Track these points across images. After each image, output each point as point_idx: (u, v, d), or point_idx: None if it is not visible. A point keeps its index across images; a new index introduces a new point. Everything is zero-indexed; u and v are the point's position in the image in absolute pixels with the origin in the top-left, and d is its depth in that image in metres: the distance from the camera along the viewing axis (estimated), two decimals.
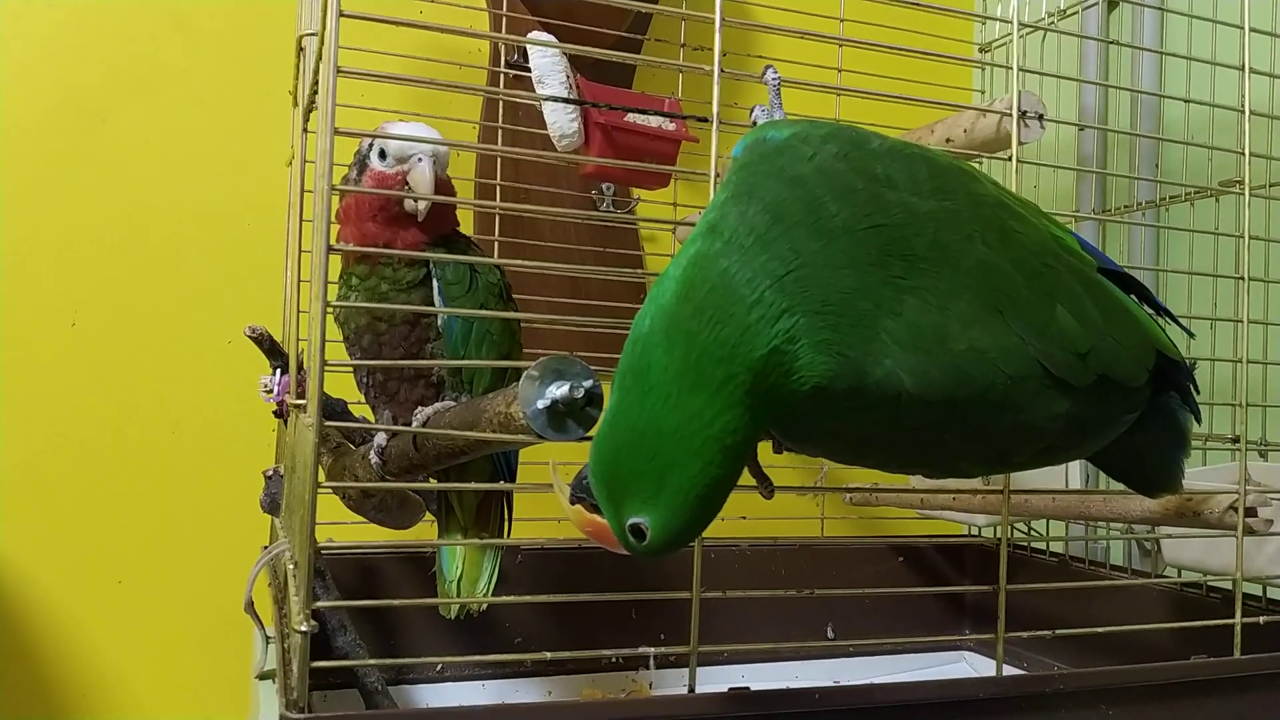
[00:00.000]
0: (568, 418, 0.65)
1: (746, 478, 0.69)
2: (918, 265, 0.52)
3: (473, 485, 0.93)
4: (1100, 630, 0.85)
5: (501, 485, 0.93)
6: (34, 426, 1.24)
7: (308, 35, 0.80)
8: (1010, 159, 0.77)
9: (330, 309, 0.64)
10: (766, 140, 0.57)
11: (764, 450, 0.70)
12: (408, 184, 0.84)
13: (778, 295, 0.50)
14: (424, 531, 1.14)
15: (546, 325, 1.31)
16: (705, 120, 0.74)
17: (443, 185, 0.86)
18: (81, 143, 1.27)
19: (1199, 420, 0.62)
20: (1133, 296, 0.60)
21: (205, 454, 1.29)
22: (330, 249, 0.63)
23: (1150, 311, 0.62)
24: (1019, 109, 0.77)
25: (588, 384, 0.65)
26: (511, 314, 0.91)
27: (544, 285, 1.34)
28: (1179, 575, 1.12)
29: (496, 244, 1.25)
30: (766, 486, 0.69)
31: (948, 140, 0.85)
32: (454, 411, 0.79)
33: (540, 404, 0.64)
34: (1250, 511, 0.86)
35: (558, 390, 0.65)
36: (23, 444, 1.24)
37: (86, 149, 1.27)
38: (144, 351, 1.28)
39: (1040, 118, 0.78)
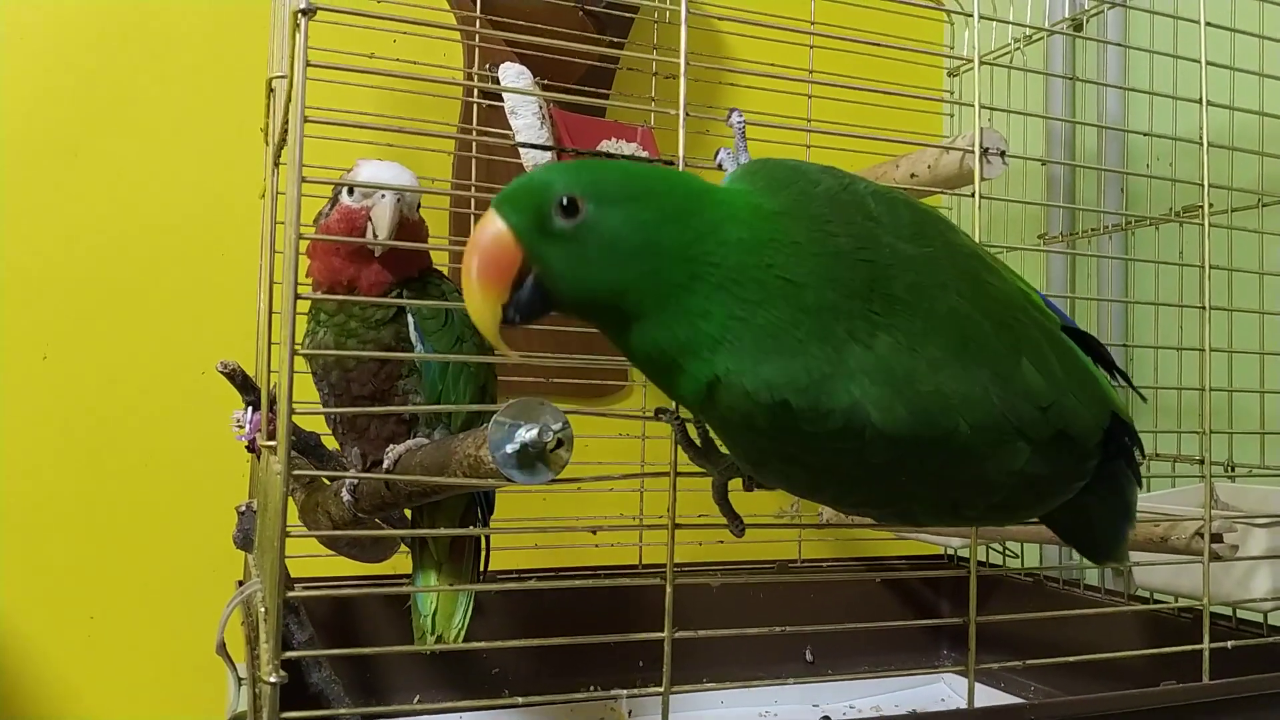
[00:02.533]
0: (537, 460, 0.65)
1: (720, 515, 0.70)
2: (895, 305, 0.54)
3: (444, 531, 0.94)
4: (1072, 659, 0.86)
5: (473, 530, 0.93)
6: (5, 460, 1.23)
7: (277, 77, 0.80)
8: (973, 195, 0.78)
9: (297, 349, 0.64)
10: (769, 159, 0.60)
11: (735, 486, 0.71)
12: (372, 220, 0.84)
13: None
14: (398, 562, 1.13)
15: (522, 357, 1.31)
16: (671, 163, 0.75)
17: (409, 225, 0.86)
18: (53, 175, 1.27)
19: (1140, 486, 0.64)
20: (1089, 358, 0.62)
21: (178, 487, 1.28)
22: (298, 296, 0.63)
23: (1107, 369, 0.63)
24: (981, 146, 0.78)
25: (556, 427, 0.65)
26: (480, 357, 0.89)
27: None
28: (1151, 596, 1.13)
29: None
30: (737, 525, 0.69)
31: (912, 175, 0.87)
32: (425, 451, 0.79)
33: (509, 448, 0.64)
34: (1216, 538, 0.87)
35: (527, 434, 0.65)
36: None
37: (58, 181, 1.27)
38: (116, 384, 1.27)
39: (1002, 154, 0.79)
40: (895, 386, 0.53)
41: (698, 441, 0.69)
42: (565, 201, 0.52)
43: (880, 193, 0.58)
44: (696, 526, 0.71)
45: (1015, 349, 0.55)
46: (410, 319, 0.86)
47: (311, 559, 1.01)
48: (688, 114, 0.73)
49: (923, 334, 0.54)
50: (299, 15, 0.64)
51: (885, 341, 0.53)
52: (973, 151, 0.78)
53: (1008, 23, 1.39)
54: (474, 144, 1.29)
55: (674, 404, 0.70)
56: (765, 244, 0.53)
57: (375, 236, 0.84)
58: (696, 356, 0.54)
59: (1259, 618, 1.03)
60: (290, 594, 0.64)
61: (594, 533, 1.12)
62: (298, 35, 0.64)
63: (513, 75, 1.19)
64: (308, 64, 0.64)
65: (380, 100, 1.27)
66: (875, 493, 0.58)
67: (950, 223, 0.60)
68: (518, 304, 0.53)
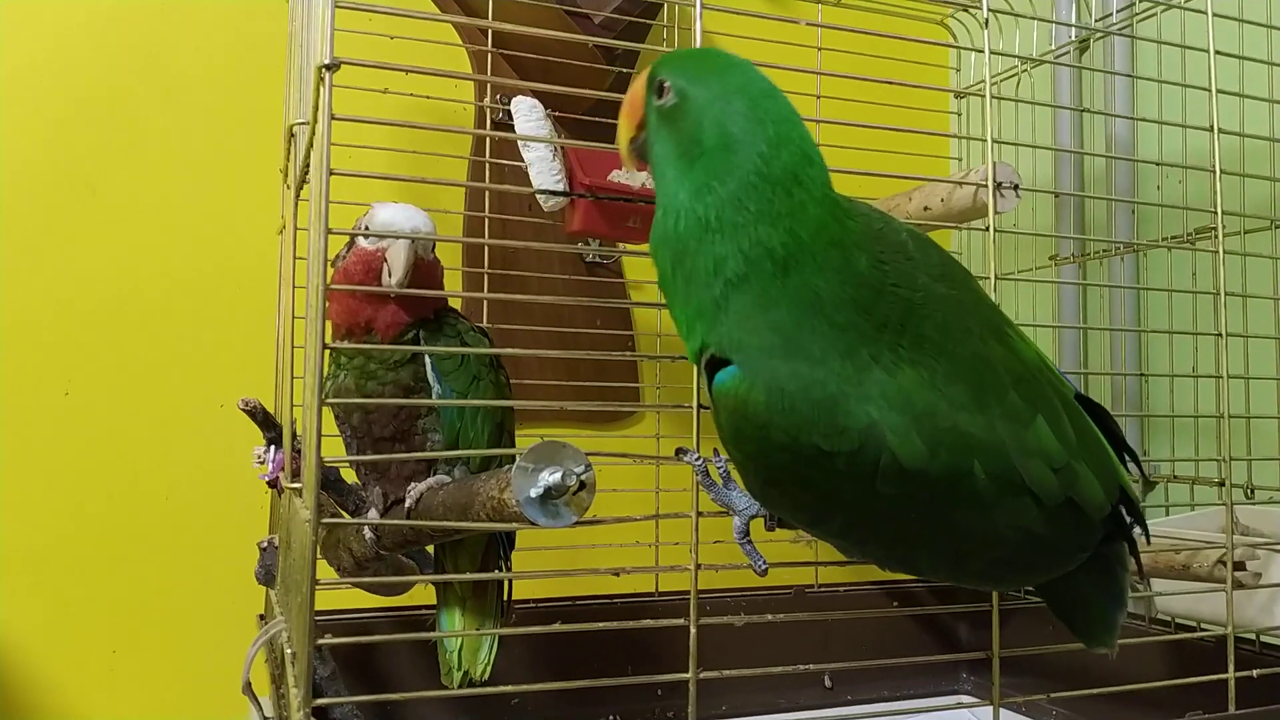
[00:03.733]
0: (561, 504, 0.66)
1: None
2: (923, 342, 0.55)
3: (467, 576, 0.95)
4: (1095, 691, 0.86)
5: (496, 576, 0.94)
6: (28, 495, 1.24)
7: (299, 124, 0.81)
8: (988, 229, 0.78)
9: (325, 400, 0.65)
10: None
11: (756, 525, 0.72)
12: (388, 261, 0.85)
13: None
14: (419, 594, 1.14)
15: (537, 382, 1.32)
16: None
17: (424, 265, 0.87)
18: (71, 212, 1.28)
19: (1141, 574, 0.64)
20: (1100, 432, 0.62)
21: (199, 521, 1.28)
22: (325, 346, 0.64)
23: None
24: (994, 180, 0.78)
25: (579, 470, 0.66)
26: (496, 402, 0.90)
27: (533, 339, 1.35)
28: (1173, 621, 1.13)
29: (485, 302, 1.26)
30: (760, 564, 0.69)
31: (925, 208, 0.87)
32: (447, 490, 0.80)
33: (533, 492, 0.65)
34: (1238, 565, 0.87)
35: (551, 477, 0.65)
36: (17, 512, 1.23)
37: (76, 218, 1.28)
38: (137, 419, 1.28)
39: (1015, 188, 0.80)
40: (915, 417, 0.54)
41: (719, 481, 0.70)
42: (659, 83, 0.59)
43: (915, 233, 0.60)
44: (719, 568, 0.72)
45: (1032, 406, 0.56)
46: (428, 359, 0.87)
47: (332, 590, 1.02)
48: None
49: (946, 374, 0.55)
50: (323, 70, 0.64)
51: (909, 374, 0.54)
52: (986, 185, 0.79)
53: (1012, 56, 1.40)
54: (486, 173, 1.31)
55: (695, 443, 0.71)
56: (833, 244, 0.55)
57: (390, 278, 0.85)
58: (701, 318, 0.56)
59: None
60: (319, 642, 0.65)
61: (617, 574, 1.12)
62: (322, 89, 0.65)
63: (525, 109, 1.20)
64: (332, 118, 0.65)
65: (395, 133, 1.28)
66: (882, 531, 0.58)
67: (969, 272, 0.61)
68: (636, 143, 0.63)
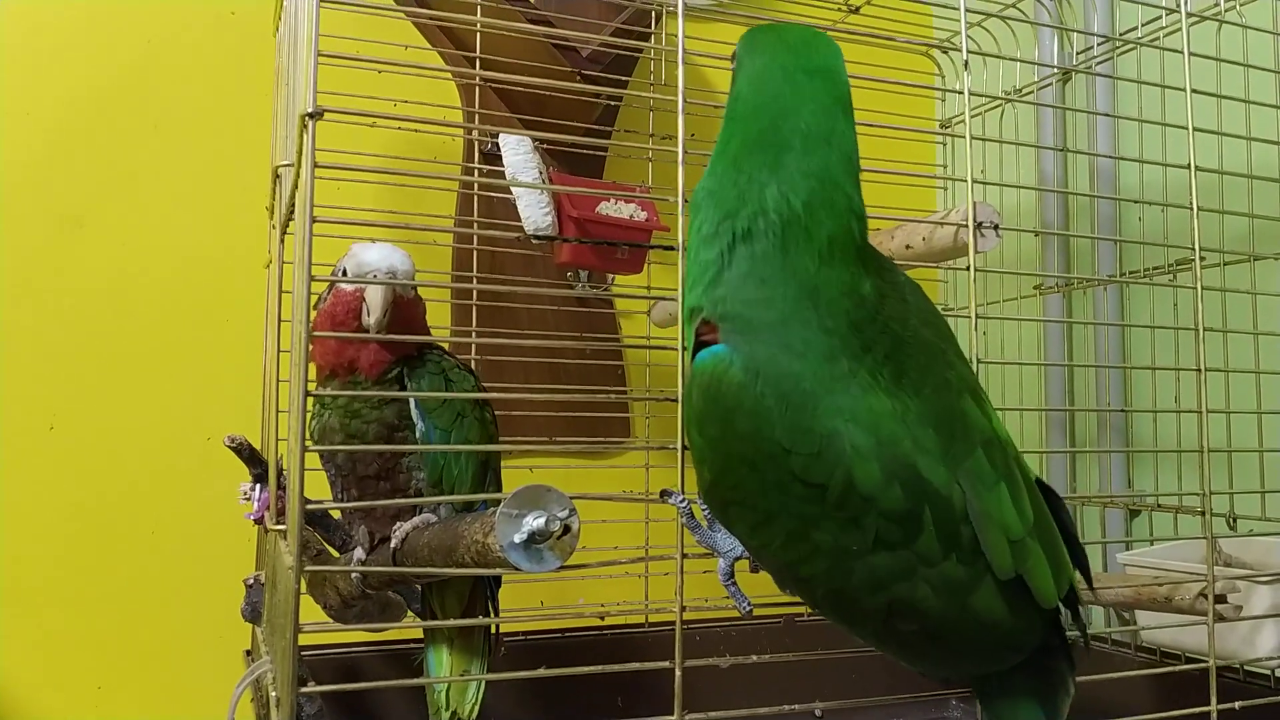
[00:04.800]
0: (545, 549, 0.66)
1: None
2: (902, 379, 0.55)
3: (459, 622, 0.95)
4: None
5: (483, 621, 0.94)
6: (12, 530, 1.24)
7: (284, 166, 0.81)
8: (968, 268, 0.79)
9: (308, 446, 0.65)
10: None
11: (742, 567, 0.72)
12: (366, 302, 0.85)
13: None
14: (405, 629, 1.13)
15: (526, 413, 1.32)
16: (668, 199, 0.77)
17: (404, 303, 0.87)
18: (58, 245, 1.28)
19: (1071, 692, 0.60)
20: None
21: (186, 556, 1.28)
22: (308, 393, 0.64)
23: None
24: (975, 220, 0.79)
25: (563, 515, 0.66)
26: (480, 447, 0.90)
27: (524, 372, 1.35)
28: (1158, 651, 1.13)
29: (474, 333, 1.27)
30: (745, 605, 0.70)
31: (908, 247, 0.88)
32: (432, 531, 0.80)
33: (517, 538, 0.65)
34: (1220, 598, 0.87)
35: (535, 522, 0.66)
36: (1, 549, 1.23)
37: (63, 251, 1.28)
38: (122, 454, 1.27)
39: (996, 227, 0.81)
40: (878, 443, 0.54)
41: (704, 522, 0.70)
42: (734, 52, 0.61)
43: (913, 283, 0.61)
44: (704, 609, 0.72)
45: (996, 472, 0.56)
46: (411, 399, 0.87)
47: (320, 630, 1.01)
48: (687, 151, 0.74)
49: (919, 415, 0.55)
50: (306, 119, 0.65)
51: (883, 401, 0.54)
52: (967, 226, 0.80)
53: (995, 97, 1.41)
54: (475, 206, 1.31)
55: (680, 483, 0.71)
56: (845, 249, 0.56)
57: (369, 317, 0.85)
58: (703, 275, 0.57)
59: (1266, 670, 1.04)
60: (303, 690, 0.64)
61: (602, 619, 1.12)
62: (305, 136, 0.66)
63: (513, 143, 1.21)
64: (315, 165, 0.65)
65: (382, 165, 1.29)
66: (818, 558, 0.56)
67: (953, 332, 0.62)
68: None
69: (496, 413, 0.95)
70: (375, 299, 0.84)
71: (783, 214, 0.56)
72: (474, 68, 1.31)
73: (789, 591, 0.62)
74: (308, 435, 0.84)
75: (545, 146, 1.28)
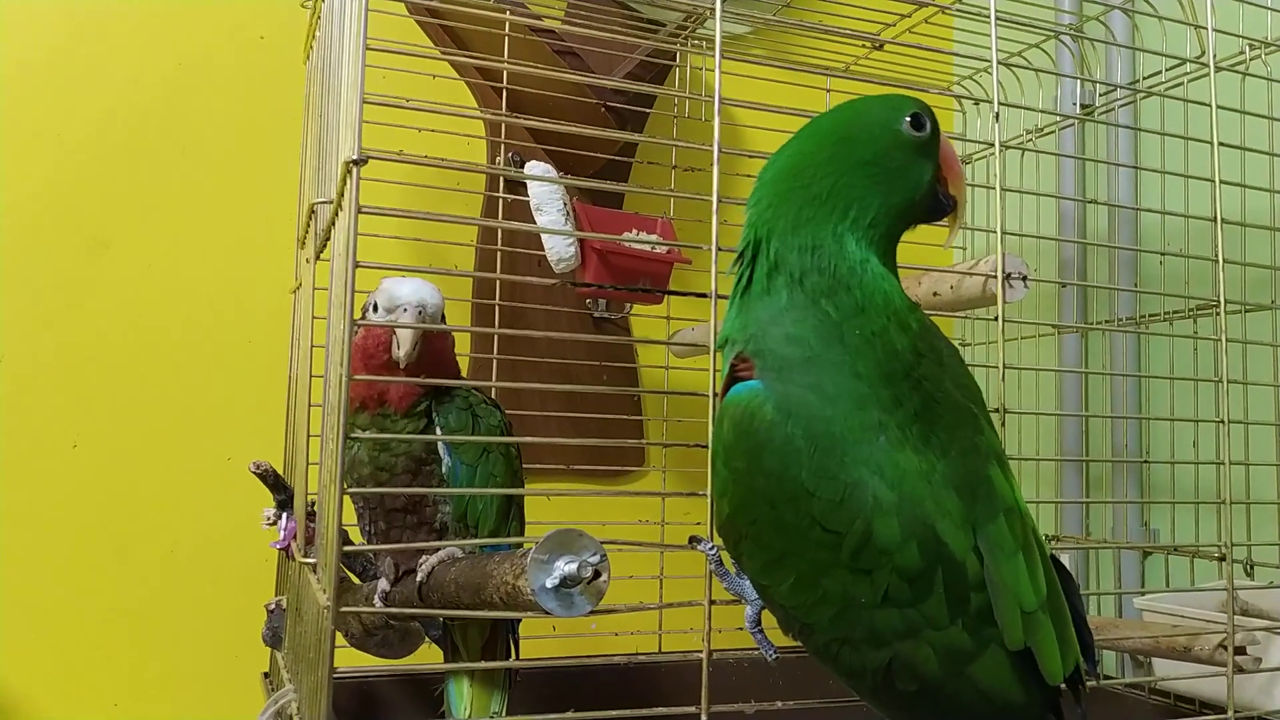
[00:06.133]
0: (575, 593, 0.67)
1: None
2: (930, 440, 0.56)
3: (480, 665, 0.96)
4: None
5: (503, 664, 0.95)
6: (33, 548, 1.24)
7: (320, 203, 0.82)
8: (998, 319, 0.80)
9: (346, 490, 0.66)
10: None
11: (769, 615, 0.72)
12: (396, 335, 0.87)
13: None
14: (426, 654, 1.14)
15: (546, 442, 1.33)
16: (702, 247, 0.78)
17: (433, 337, 0.88)
18: (84, 267, 1.29)
19: None
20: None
21: (205, 577, 1.29)
22: (349, 436, 0.65)
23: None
24: (1003, 271, 0.80)
25: (594, 560, 0.67)
26: (515, 490, 0.93)
27: (543, 401, 1.36)
28: (1173, 698, 1.13)
29: (495, 362, 1.27)
30: (771, 651, 0.70)
31: (935, 294, 0.89)
32: (459, 567, 0.80)
33: (548, 582, 0.66)
34: (1239, 650, 0.87)
35: (566, 567, 0.66)
36: (22, 565, 1.24)
37: (89, 273, 1.29)
38: (144, 474, 1.28)
39: (1024, 279, 0.81)
40: (900, 499, 0.54)
41: (732, 569, 0.71)
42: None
43: (953, 346, 0.62)
44: (721, 654, 0.72)
45: (1016, 541, 0.56)
46: (439, 429, 0.88)
47: (338, 651, 1.02)
48: (721, 200, 0.75)
49: (943, 477, 0.55)
50: (351, 165, 0.66)
51: (910, 459, 0.55)
52: (995, 276, 0.80)
53: (1018, 148, 1.42)
54: (499, 235, 1.32)
55: (708, 530, 0.72)
56: (894, 309, 0.57)
57: (399, 350, 0.86)
58: (741, 304, 0.60)
59: None
60: None
61: (626, 663, 1.12)
62: (349, 182, 0.67)
63: (539, 173, 1.22)
64: (359, 210, 0.66)
65: (405, 196, 1.30)
66: (825, 606, 0.56)
67: (984, 399, 0.62)
68: None
69: (514, 433, 0.96)
70: (406, 333, 0.86)
71: (827, 266, 0.58)
72: (500, 95, 1.33)
73: (792, 636, 0.62)
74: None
75: (566, 176, 1.30)
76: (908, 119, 0.61)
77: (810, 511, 0.54)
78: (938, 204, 0.63)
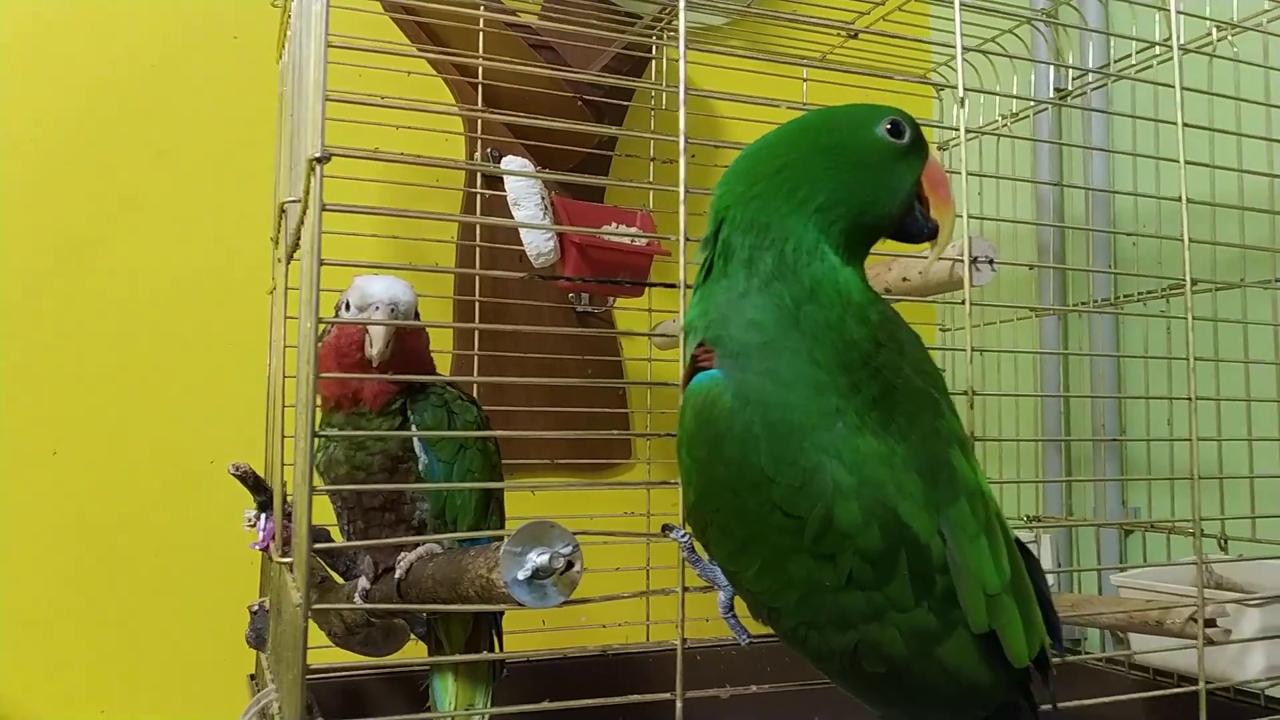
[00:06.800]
0: (548, 584, 0.67)
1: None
2: (890, 424, 0.56)
3: (465, 658, 0.96)
4: None
5: (487, 656, 0.96)
6: (16, 555, 1.24)
7: (289, 202, 0.83)
8: (964, 302, 0.80)
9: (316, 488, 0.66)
10: None
11: (741, 607, 0.73)
12: (369, 334, 0.87)
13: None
14: (410, 649, 1.15)
15: (531, 436, 1.33)
16: (671, 237, 0.79)
17: (406, 334, 0.88)
18: (61, 272, 1.29)
19: None
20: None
21: (189, 580, 1.29)
22: (315, 434, 0.65)
23: None
24: (970, 255, 0.81)
25: (566, 550, 0.67)
26: (490, 484, 0.93)
27: (527, 396, 1.37)
28: (1151, 672, 1.15)
29: (477, 358, 1.28)
30: (745, 637, 0.71)
31: (904, 279, 0.89)
32: (436, 563, 0.81)
33: (520, 574, 0.66)
34: (1210, 622, 0.88)
35: (538, 559, 0.67)
36: (5, 572, 1.24)
37: (66, 278, 1.29)
38: (126, 478, 1.28)
39: (991, 262, 0.82)
40: (860, 483, 0.54)
41: (705, 556, 0.71)
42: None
43: (914, 335, 0.62)
44: (706, 635, 0.73)
45: (979, 524, 0.56)
46: (414, 426, 0.89)
47: (323, 649, 1.03)
48: (688, 191, 0.76)
49: (903, 460, 0.55)
50: (314, 163, 0.66)
51: (869, 443, 0.55)
52: (962, 260, 0.81)
53: (989, 133, 1.43)
54: (477, 232, 1.32)
55: (681, 519, 0.73)
56: (848, 300, 0.57)
57: (371, 349, 0.86)
58: (703, 290, 0.60)
59: (1257, 690, 1.05)
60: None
61: (604, 654, 1.13)
62: (313, 179, 0.67)
63: (516, 167, 1.22)
64: (324, 209, 0.67)
65: (384, 193, 1.30)
66: (790, 589, 0.57)
67: (946, 385, 0.62)
68: None
69: (498, 428, 0.97)
70: (378, 331, 0.86)
71: (783, 253, 0.58)
72: (477, 91, 1.33)
73: (761, 620, 0.63)
74: (314, 468, 0.86)
75: (545, 170, 1.30)
76: (886, 124, 0.60)
77: (771, 497, 0.55)
78: (917, 224, 0.61)
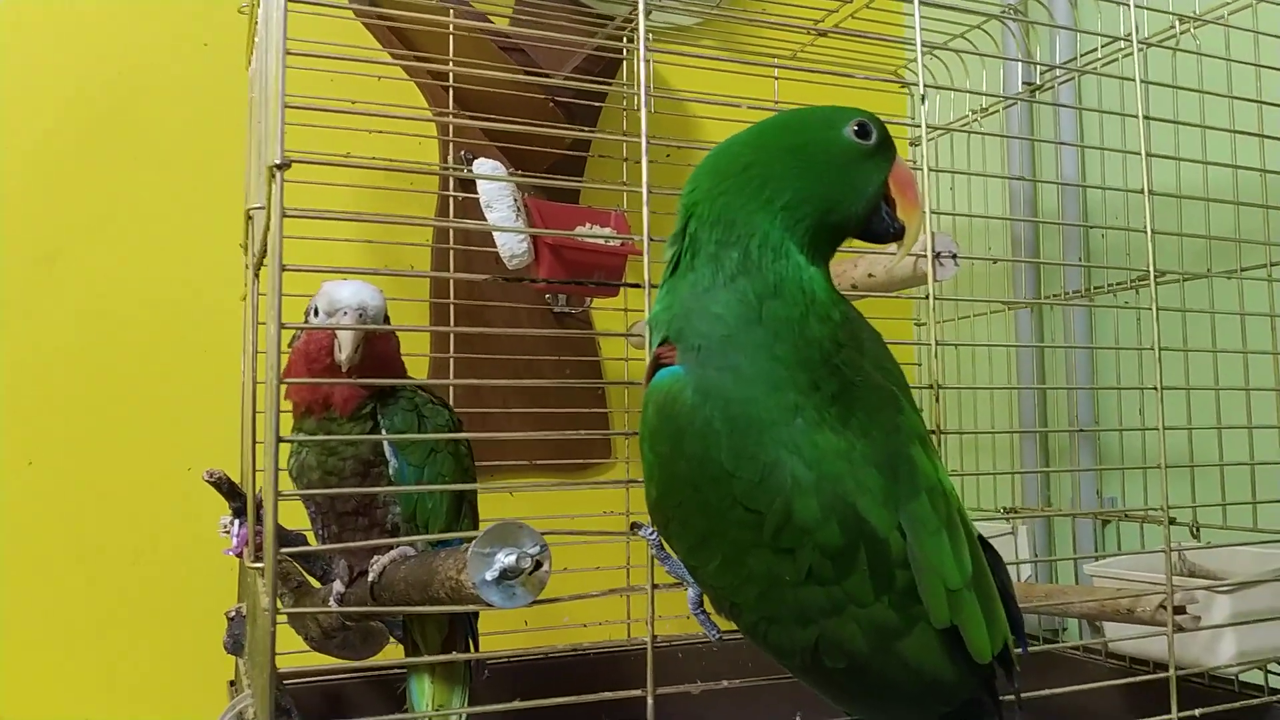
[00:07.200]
0: (516, 585, 0.68)
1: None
2: (849, 420, 0.57)
3: (442, 658, 0.96)
4: None
5: (463, 656, 0.96)
6: None
7: (255, 209, 0.83)
8: (927, 296, 0.81)
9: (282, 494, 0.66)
10: None
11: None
12: (338, 339, 0.87)
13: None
14: (388, 651, 1.15)
15: (506, 437, 1.34)
16: (637, 237, 0.80)
17: (375, 339, 0.88)
18: (33, 281, 1.29)
19: None
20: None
21: (167, 587, 1.29)
22: (280, 439, 0.65)
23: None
24: (933, 250, 0.81)
25: (534, 551, 0.68)
26: (461, 485, 0.93)
27: (504, 398, 1.37)
28: (1127, 660, 1.16)
29: (452, 361, 1.28)
30: (715, 633, 0.71)
31: (870, 275, 0.90)
32: (409, 565, 0.81)
33: (489, 575, 0.67)
34: (1179, 609, 0.89)
35: (506, 559, 0.67)
36: None
37: (37, 288, 1.29)
38: (102, 488, 1.28)
39: (955, 257, 0.83)
40: (819, 478, 0.55)
41: (673, 553, 0.72)
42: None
43: (876, 334, 0.63)
44: (677, 640, 0.73)
45: (938, 518, 0.56)
46: (384, 431, 0.89)
47: (301, 654, 1.03)
48: (651, 192, 0.77)
49: (863, 455, 0.56)
50: (274, 169, 0.66)
51: (828, 439, 0.55)
52: (925, 256, 0.82)
53: (958, 130, 1.44)
54: (451, 234, 1.33)
55: (649, 519, 0.73)
56: (811, 298, 0.58)
57: (340, 354, 0.86)
58: (667, 285, 0.61)
59: (1229, 676, 1.06)
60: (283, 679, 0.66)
61: (578, 652, 1.14)
62: (274, 186, 0.67)
63: (488, 169, 1.23)
64: (285, 215, 0.67)
65: (358, 198, 1.30)
66: (751, 585, 0.57)
67: (908, 384, 0.63)
68: None
69: (475, 431, 0.97)
70: (346, 335, 0.86)
71: (748, 249, 0.58)
72: (448, 94, 1.33)
73: (724, 615, 0.63)
74: (286, 472, 0.86)
75: (518, 172, 1.30)
76: (853, 125, 0.61)
77: (731, 492, 0.55)
78: (884, 224, 0.62)
